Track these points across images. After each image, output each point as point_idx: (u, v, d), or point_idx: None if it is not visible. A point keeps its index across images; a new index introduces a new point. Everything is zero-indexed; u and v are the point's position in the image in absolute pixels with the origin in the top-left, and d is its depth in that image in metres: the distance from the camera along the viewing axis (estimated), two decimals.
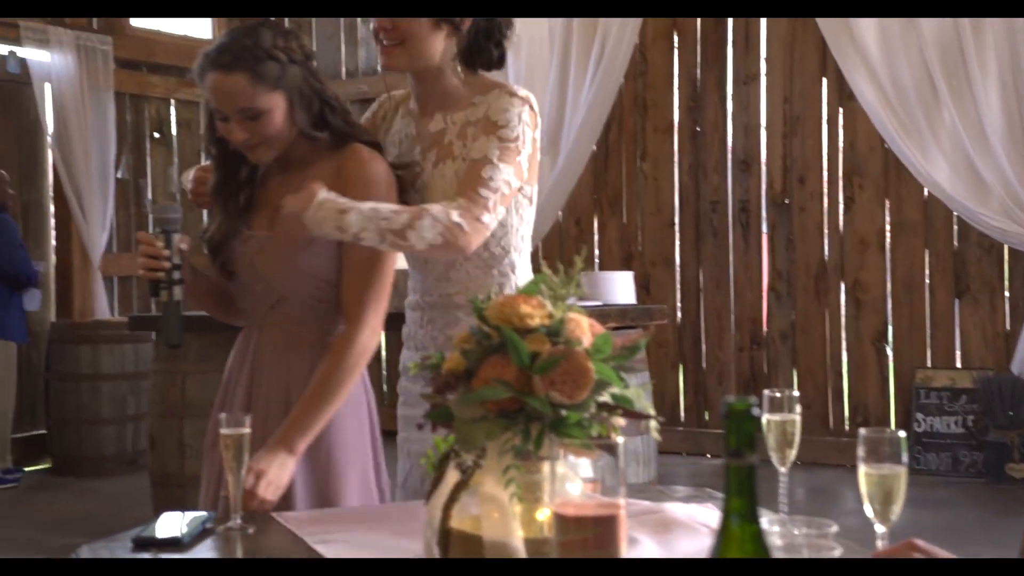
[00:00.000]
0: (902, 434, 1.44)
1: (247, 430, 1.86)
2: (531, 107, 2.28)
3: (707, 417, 7.20)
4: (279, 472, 2.10)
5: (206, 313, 2.50)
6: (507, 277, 2.33)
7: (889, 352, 6.69)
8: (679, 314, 7.26)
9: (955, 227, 6.45)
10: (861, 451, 1.44)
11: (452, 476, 1.47)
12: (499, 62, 2.35)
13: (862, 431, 1.45)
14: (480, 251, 2.28)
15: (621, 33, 6.68)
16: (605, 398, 1.45)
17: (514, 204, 2.31)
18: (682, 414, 7.26)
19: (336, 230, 2.08)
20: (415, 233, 2.09)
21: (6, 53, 6.95)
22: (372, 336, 2.24)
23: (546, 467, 1.42)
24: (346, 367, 2.20)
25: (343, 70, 8.47)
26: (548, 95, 6.95)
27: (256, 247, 2.29)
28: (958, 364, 6.49)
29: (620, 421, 1.45)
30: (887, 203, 6.66)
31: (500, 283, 2.33)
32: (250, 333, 2.38)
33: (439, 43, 2.29)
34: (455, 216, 2.13)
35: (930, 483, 6.11)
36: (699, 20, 7.13)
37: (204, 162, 2.45)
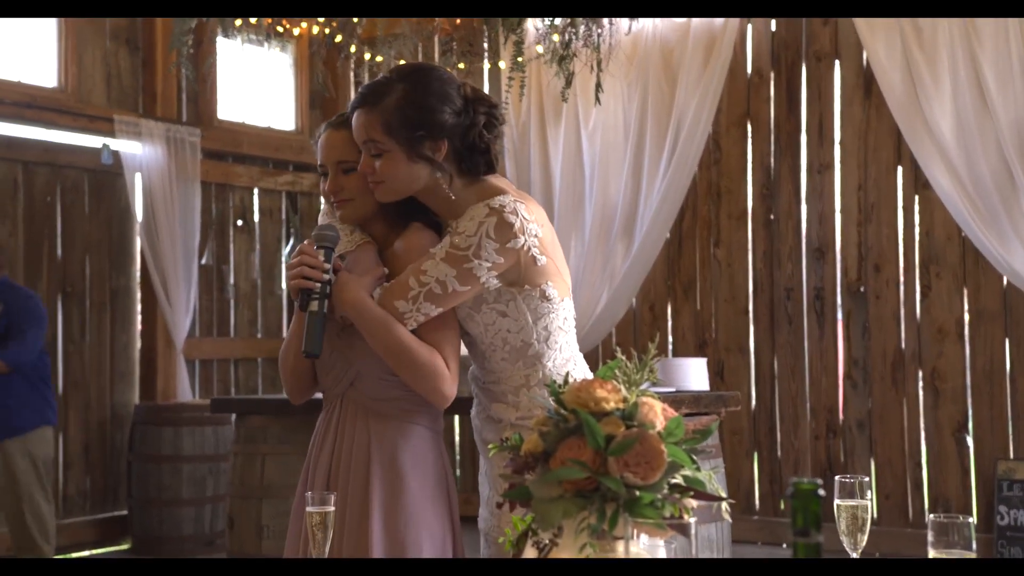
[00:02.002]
0: (971, 520, 1.46)
1: (331, 508, 1.93)
2: (502, 217, 2.30)
3: (783, 506, 7.11)
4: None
5: (284, 393, 2.61)
6: (533, 368, 2.41)
7: (970, 442, 6.58)
8: (754, 401, 7.23)
9: None
10: (931, 537, 1.47)
11: (530, 554, 1.52)
12: (488, 168, 2.41)
13: (931, 517, 1.48)
14: (501, 344, 2.40)
15: (695, 122, 6.77)
16: (678, 480, 1.49)
17: (523, 300, 2.37)
18: (757, 503, 7.19)
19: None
20: None
21: (100, 145, 7.23)
22: (455, 382, 2.38)
23: (620, 547, 1.46)
24: (430, 369, 2.32)
25: None
26: (623, 182, 7.05)
27: (337, 325, 2.39)
28: None
29: (692, 502, 1.49)
30: (965, 291, 6.61)
31: (526, 374, 2.41)
32: (331, 410, 2.46)
33: (418, 174, 2.38)
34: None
35: None
36: (772, 109, 7.20)
37: (286, 249, 2.60)
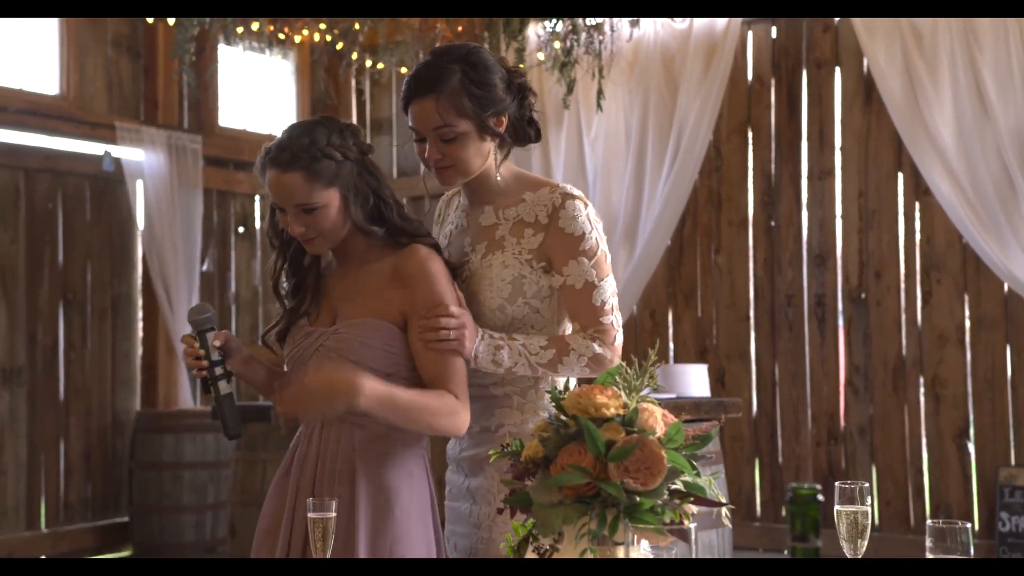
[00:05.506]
0: (968, 525, 1.47)
1: (333, 514, 1.93)
2: (586, 202, 2.43)
3: (784, 512, 7.09)
4: (325, 381, 2.16)
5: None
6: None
7: (971, 449, 6.58)
8: (755, 408, 7.23)
9: None
10: (929, 542, 1.47)
11: None
12: (537, 135, 2.52)
13: (929, 523, 1.48)
14: None
15: (696, 129, 6.78)
16: (678, 485, 1.50)
17: (552, 299, 2.41)
18: (758, 509, 7.17)
19: (492, 364, 2.31)
20: (564, 367, 2.32)
21: (102, 153, 7.24)
22: (467, 408, 2.32)
23: (620, 552, 1.47)
24: (446, 411, 2.26)
25: (395, 169, 8.53)
26: (624, 190, 7.06)
27: (316, 343, 2.37)
28: None
29: (692, 508, 1.49)
30: (966, 298, 6.61)
31: (534, 377, 2.39)
32: (312, 431, 2.40)
33: (486, 151, 2.43)
34: (596, 348, 2.32)
35: None
36: (773, 116, 7.21)
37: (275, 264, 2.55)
